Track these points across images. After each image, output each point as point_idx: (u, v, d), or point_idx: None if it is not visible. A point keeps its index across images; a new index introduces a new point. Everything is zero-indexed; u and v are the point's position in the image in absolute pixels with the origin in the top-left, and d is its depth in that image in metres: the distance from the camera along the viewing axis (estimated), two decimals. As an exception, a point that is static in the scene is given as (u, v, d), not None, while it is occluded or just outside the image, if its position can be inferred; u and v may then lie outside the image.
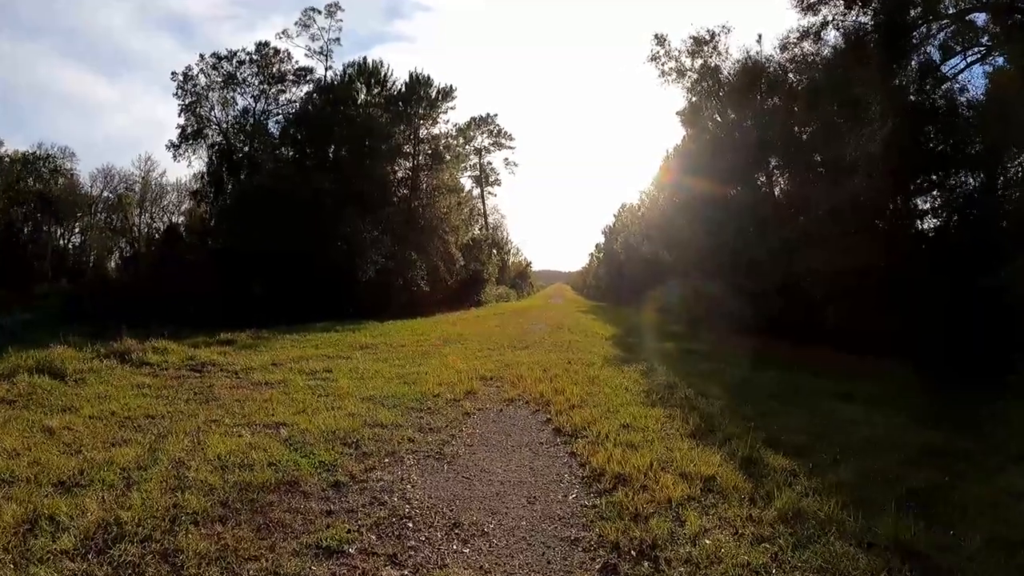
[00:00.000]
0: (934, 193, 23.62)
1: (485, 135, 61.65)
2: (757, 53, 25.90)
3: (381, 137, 35.62)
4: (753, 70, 25.73)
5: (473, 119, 59.29)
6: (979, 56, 22.93)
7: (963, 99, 22.06)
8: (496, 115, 60.77)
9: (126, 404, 9.33)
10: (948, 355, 17.26)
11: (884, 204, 23.93)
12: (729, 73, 26.96)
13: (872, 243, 23.76)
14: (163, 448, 7.00)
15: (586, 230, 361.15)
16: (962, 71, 23.20)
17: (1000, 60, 22.69)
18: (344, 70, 39.64)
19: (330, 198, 31.72)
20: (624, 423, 8.68)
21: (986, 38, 22.59)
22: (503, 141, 62.42)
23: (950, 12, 22.24)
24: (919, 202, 24.05)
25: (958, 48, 23.06)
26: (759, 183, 26.95)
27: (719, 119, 27.11)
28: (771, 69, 25.60)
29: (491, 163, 64.28)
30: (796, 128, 24.39)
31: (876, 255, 22.20)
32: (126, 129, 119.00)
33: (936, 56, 23.33)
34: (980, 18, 22.25)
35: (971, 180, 22.92)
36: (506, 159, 64.25)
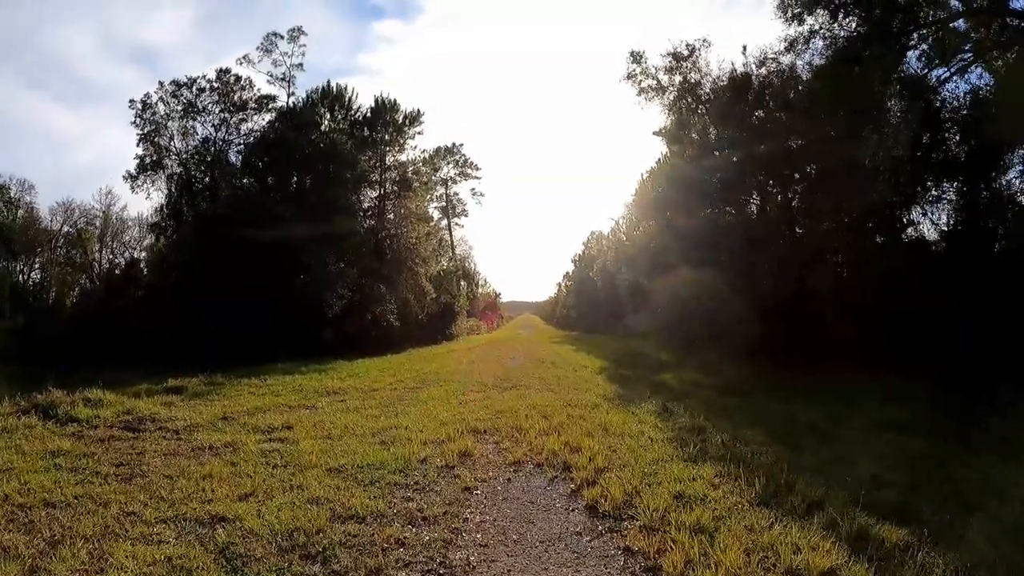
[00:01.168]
0: (937, 204, 23.02)
1: (451, 165, 60.21)
2: (743, 65, 24.65)
3: (346, 164, 33.69)
4: (739, 83, 24.46)
5: (439, 149, 57.79)
6: (962, 66, 22.29)
7: (947, 109, 21.74)
8: (462, 145, 59.41)
9: (25, 484, 7.14)
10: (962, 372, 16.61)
11: (893, 214, 22.96)
12: (712, 87, 25.62)
13: (883, 255, 22.58)
14: (46, 569, 4.86)
15: (551, 260, 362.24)
16: (945, 81, 22.72)
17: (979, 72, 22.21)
18: (307, 95, 37.74)
19: (293, 228, 29.56)
20: (675, 492, 6.72)
21: (968, 47, 21.95)
22: (469, 171, 61.04)
23: (930, 20, 21.61)
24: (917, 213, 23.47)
25: (937, 60, 22.46)
26: (751, 199, 25.53)
27: (703, 135, 25.57)
28: (757, 82, 24.41)
29: (457, 193, 62.82)
30: (790, 140, 22.95)
31: (888, 267, 21.10)
32: (90, 162, 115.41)
33: (915, 67, 22.78)
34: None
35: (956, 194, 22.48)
36: (473, 189, 62.94)
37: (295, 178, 34.59)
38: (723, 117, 24.19)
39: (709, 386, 18.60)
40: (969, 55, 21.84)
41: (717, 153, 25.75)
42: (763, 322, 23.08)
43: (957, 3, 21.80)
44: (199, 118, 37.88)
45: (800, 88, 23.20)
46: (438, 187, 58.48)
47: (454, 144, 59.42)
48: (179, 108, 37.73)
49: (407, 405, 13.08)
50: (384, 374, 19.95)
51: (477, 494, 6.87)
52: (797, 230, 25.06)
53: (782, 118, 23.05)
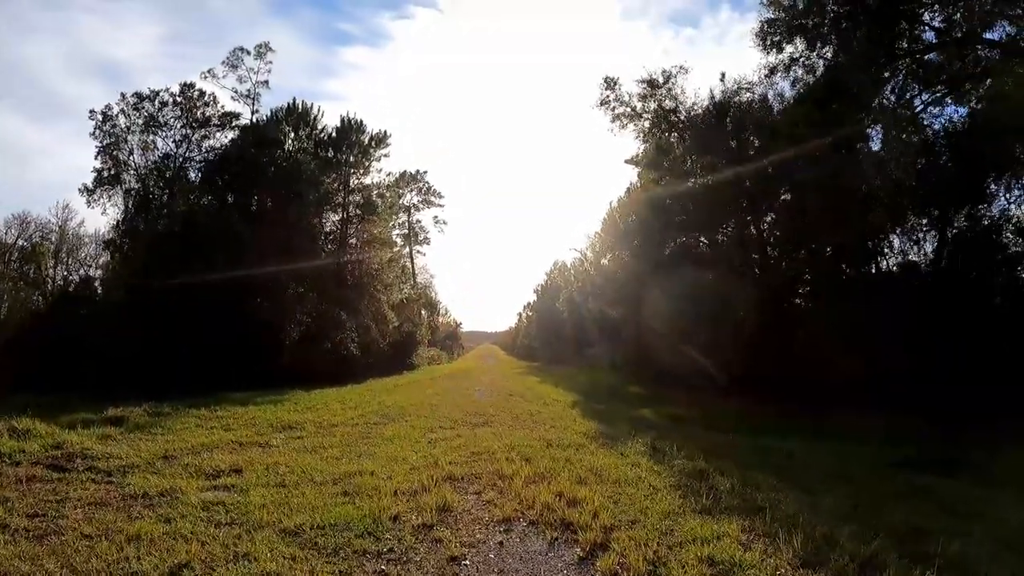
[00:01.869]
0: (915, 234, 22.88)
1: (415, 192, 59.20)
2: (722, 92, 24.20)
3: (309, 184, 32.31)
4: (718, 109, 23.97)
5: (404, 175, 56.80)
6: (936, 97, 22.19)
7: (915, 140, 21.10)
8: (426, 172, 58.57)
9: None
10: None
11: (874, 244, 22.70)
12: (689, 114, 25.07)
13: (862, 287, 22.08)
14: None
15: (510, 291, 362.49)
16: (919, 112, 22.59)
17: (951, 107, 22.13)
18: (272, 112, 36.34)
19: (251, 249, 28.10)
20: (703, 556, 5.68)
21: (943, 80, 21.84)
22: (432, 199, 60.06)
23: (903, 51, 21.48)
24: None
25: (908, 94, 22.37)
26: (728, 227, 24.88)
27: (681, 161, 24.88)
28: (736, 109, 23.98)
29: (420, 221, 61.73)
30: (771, 167, 22.40)
31: (867, 299, 20.69)
32: (51, 176, 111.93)
33: (892, 99, 22.67)
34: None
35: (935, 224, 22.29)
36: (435, 217, 62.00)
37: (255, 197, 33.10)
38: (702, 144, 23.56)
39: (690, 421, 17.72)
40: (943, 88, 21.75)
41: (693, 181, 25.14)
42: (740, 355, 22.46)
43: (931, 35, 21.71)
44: (160, 133, 36.19)
45: (780, 115, 22.84)
46: (401, 214, 57.29)
47: (418, 171, 58.58)
48: (140, 122, 36.04)
49: (372, 444, 11.77)
50: (345, 407, 18.57)
51: (466, 565, 5.63)
52: (772, 260, 24.52)
53: (763, 144, 22.51)
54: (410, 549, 5.91)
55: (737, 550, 5.81)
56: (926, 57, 21.68)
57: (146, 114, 36.00)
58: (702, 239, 25.91)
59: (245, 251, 27.96)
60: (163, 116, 36.13)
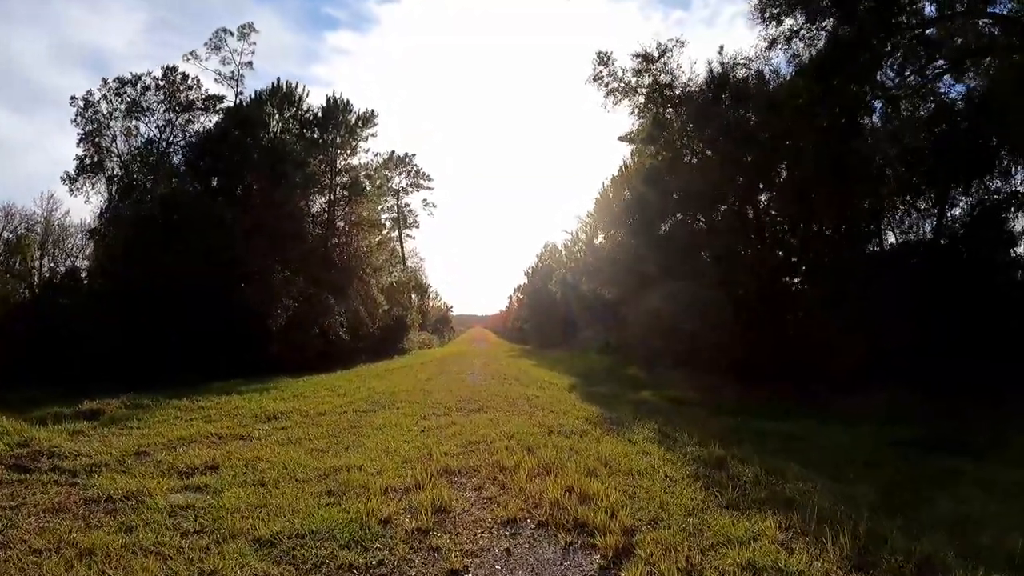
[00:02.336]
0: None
1: (403, 175, 58.13)
2: (720, 65, 23.38)
3: (295, 166, 31.43)
4: (717, 82, 23.12)
5: (392, 157, 55.51)
6: (937, 74, 21.60)
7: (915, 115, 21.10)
8: (415, 155, 57.67)
9: None
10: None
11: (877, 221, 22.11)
12: (687, 88, 24.26)
13: (866, 264, 21.42)
14: None
15: (501, 274, 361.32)
16: (920, 87, 22.03)
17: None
18: (256, 93, 35.38)
19: (237, 233, 27.21)
20: (742, 561, 5.00)
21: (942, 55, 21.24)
22: (421, 182, 58.99)
23: (903, 26, 20.81)
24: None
25: (908, 70, 21.80)
26: (730, 203, 24.13)
27: (679, 136, 24.04)
28: (735, 82, 23.19)
29: (409, 204, 60.90)
30: (772, 140, 21.68)
31: (870, 277, 20.10)
32: (37, 168, 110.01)
33: (891, 75, 22.12)
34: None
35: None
36: (424, 200, 61.17)
37: (240, 180, 32.10)
38: (699, 118, 22.71)
39: (695, 404, 17.05)
40: (944, 64, 21.09)
41: (689, 157, 24.38)
42: (741, 335, 21.80)
43: (932, 9, 21.03)
44: (143, 118, 35.47)
45: (779, 90, 22.13)
46: (390, 197, 56.30)
47: (407, 154, 57.52)
48: (122, 107, 35.23)
49: (360, 435, 10.99)
50: (333, 394, 17.81)
51: (470, 580, 4.90)
52: (771, 238, 23.84)
53: (762, 119, 21.76)
54: (403, 561, 5.12)
55: (779, 553, 5.10)
56: (926, 32, 20.98)
57: (128, 99, 35.18)
58: (699, 217, 25.13)
59: (230, 235, 27.11)
60: (146, 101, 35.32)
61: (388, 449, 9.48)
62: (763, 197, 24.00)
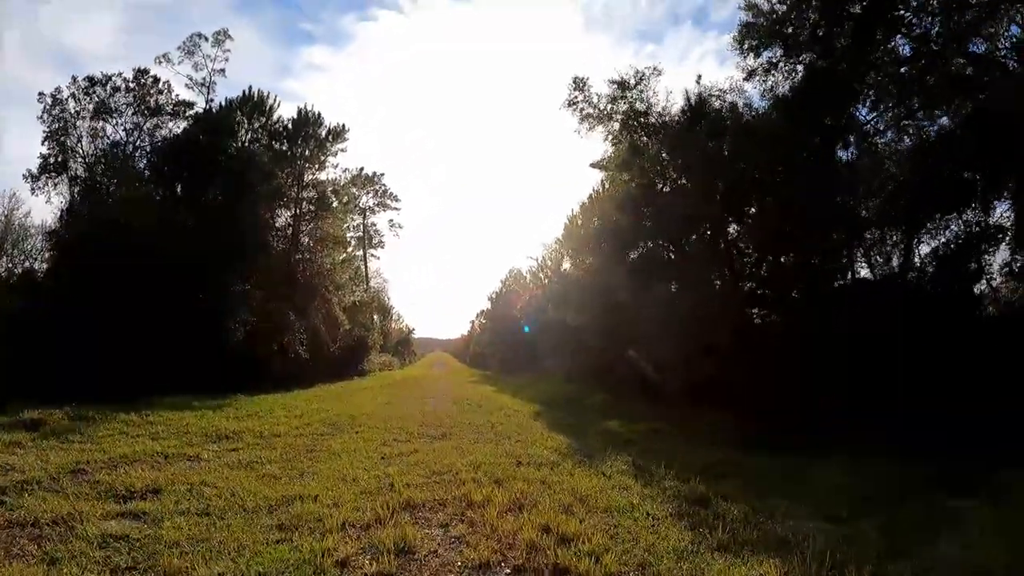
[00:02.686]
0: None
1: (371, 195, 57.03)
2: (697, 94, 23.32)
3: (261, 177, 30.62)
4: (694, 110, 23.02)
5: (360, 175, 54.62)
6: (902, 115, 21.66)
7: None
8: (383, 174, 56.56)
9: None
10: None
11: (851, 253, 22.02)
12: (661, 117, 24.16)
13: (838, 298, 21.25)
14: None
15: (462, 299, 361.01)
16: (885, 130, 22.13)
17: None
18: (226, 100, 34.48)
19: (197, 241, 26.25)
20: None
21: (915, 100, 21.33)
22: (388, 202, 57.93)
23: (877, 63, 20.88)
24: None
25: (881, 107, 21.93)
26: (703, 231, 23.95)
27: (654, 163, 23.86)
28: (712, 111, 23.14)
29: (375, 224, 59.70)
30: (748, 170, 21.57)
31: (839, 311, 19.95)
32: (3, 167, 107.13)
33: (863, 113, 22.29)
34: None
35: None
36: (391, 220, 60.21)
37: (205, 188, 31.13)
38: (677, 146, 22.57)
39: (666, 436, 16.51)
40: (916, 102, 21.13)
41: (662, 185, 24.21)
42: (711, 366, 21.49)
43: (908, 48, 21.17)
44: (111, 120, 34.06)
45: (758, 118, 22.12)
46: (356, 216, 55.41)
47: (375, 173, 56.51)
48: (90, 107, 33.92)
49: (317, 460, 10.34)
50: (289, 414, 17.09)
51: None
52: (746, 267, 23.68)
53: (737, 150, 21.65)
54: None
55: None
56: (901, 70, 21.05)
57: (97, 99, 33.93)
58: (671, 246, 24.91)
59: (191, 243, 26.13)
60: (114, 102, 34.04)
61: (346, 477, 8.85)
62: (735, 227, 23.87)
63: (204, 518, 6.63)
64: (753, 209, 23.33)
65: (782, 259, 22.68)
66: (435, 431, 14.46)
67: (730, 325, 21.52)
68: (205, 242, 26.60)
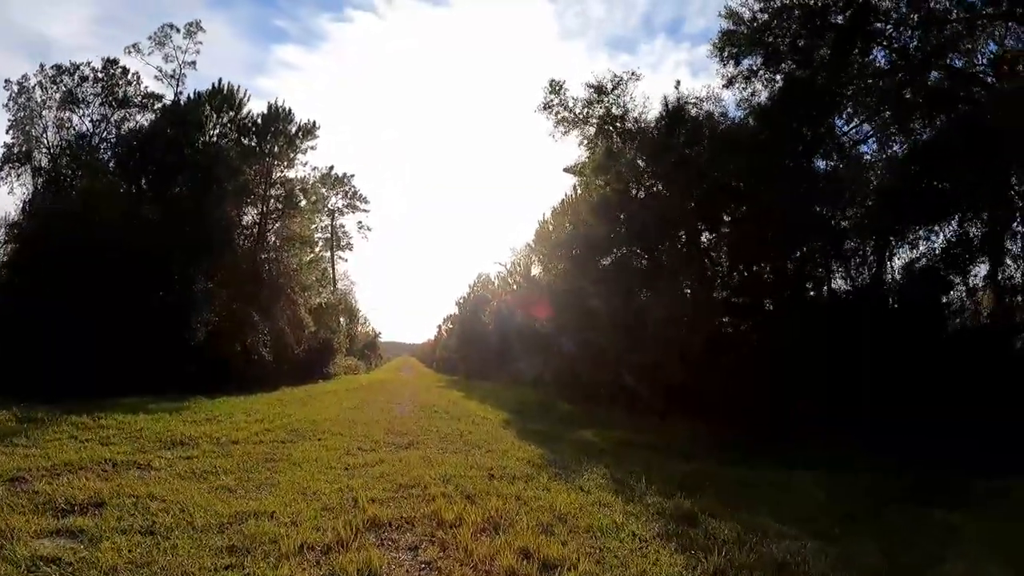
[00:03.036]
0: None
1: (340, 195, 55.74)
2: (676, 99, 23.05)
3: (229, 172, 29.75)
4: (672, 115, 22.75)
5: (329, 176, 53.69)
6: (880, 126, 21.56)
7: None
8: (353, 175, 55.45)
9: None
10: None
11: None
12: (637, 123, 23.89)
13: (809, 310, 21.06)
14: None
15: (429, 303, 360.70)
16: (862, 140, 22.24)
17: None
18: (194, 92, 33.43)
19: (159, 237, 25.34)
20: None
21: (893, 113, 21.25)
22: (358, 203, 56.48)
23: (855, 75, 20.80)
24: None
25: (856, 119, 21.97)
26: (678, 238, 23.66)
27: (630, 169, 23.52)
28: (690, 118, 22.90)
29: (343, 226, 57.91)
30: (726, 178, 21.35)
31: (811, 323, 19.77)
32: None
33: (839, 124, 22.32)
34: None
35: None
36: (360, 222, 58.88)
37: (170, 182, 30.15)
38: (654, 151, 22.26)
39: (640, 446, 16.05)
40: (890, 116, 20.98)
41: (637, 191, 23.90)
42: (681, 375, 21.21)
43: (885, 57, 21.13)
44: (78, 110, 32.91)
45: (736, 126, 21.94)
46: (324, 217, 54.34)
47: (344, 174, 55.53)
48: (57, 96, 32.74)
49: (275, 470, 9.71)
50: (250, 419, 16.37)
51: None
52: (720, 276, 23.44)
53: (714, 157, 21.39)
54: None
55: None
56: (880, 82, 20.94)
57: (64, 89, 32.78)
58: (646, 251, 24.58)
59: (155, 238, 25.21)
60: (82, 92, 32.87)
61: (306, 491, 8.26)
62: (708, 236, 23.65)
63: (148, 538, 6.01)
64: (728, 217, 23.09)
65: (755, 268, 22.48)
66: (402, 439, 13.90)
67: (704, 333, 21.29)
68: (170, 237, 25.74)
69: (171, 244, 25.50)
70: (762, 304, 22.33)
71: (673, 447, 16.04)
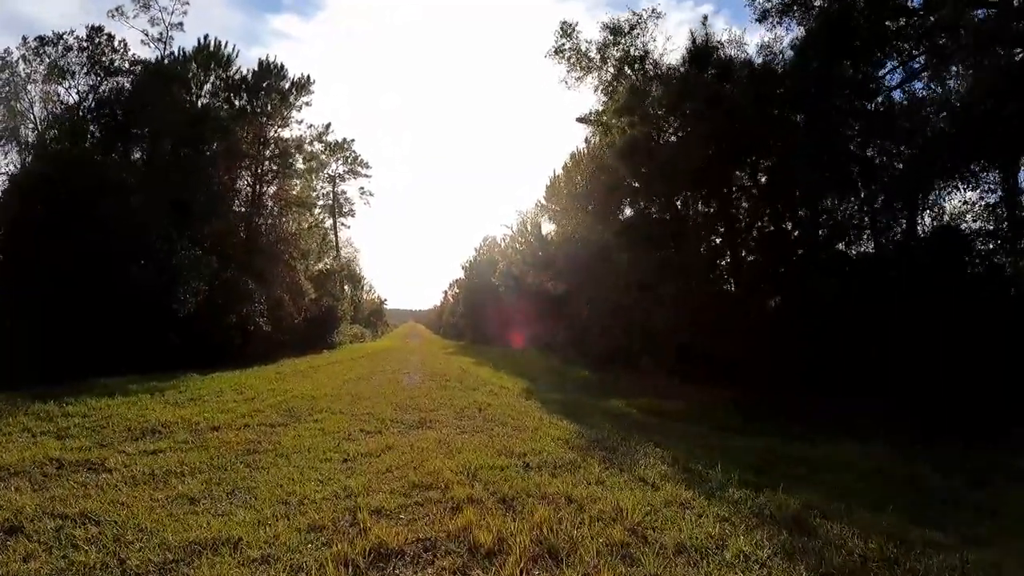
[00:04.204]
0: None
1: (340, 162, 54.33)
2: (704, 36, 21.08)
3: (218, 132, 27.68)
4: (701, 52, 20.73)
5: (328, 144, 51.70)
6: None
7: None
8: (353, 140, 53.84)
9: None
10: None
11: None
12: (656, 67, 21.88)
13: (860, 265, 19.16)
14: None
15: (434, 269, 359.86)
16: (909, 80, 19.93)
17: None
18: (179, 49, 31.31)
19: (140, 200, 23.34)
20: None
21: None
22: (359, 169, 55.31)
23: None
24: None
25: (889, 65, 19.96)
26: (704, 194, 21.63)
27: (657, 109, 21.42)
28: (720, 57, 20.93)
29: (345, 192, 56.96)
30: (759, 123, 19.31)
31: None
32: None
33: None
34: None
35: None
36: (361, 188, 58.10)
37: (152, 144, 28.15)
38: (682, 90, 20.15)
39: (680, 417, 14.21)
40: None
41: (663, 135, 21.87)
42: (708, 335, 19.47)
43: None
44: (64, 82, 30.82)
45: (771, 63, 19.98)
46: (325, 184, 52.94)
47: (344, 140, 53.51)
48: (42, 69, 30.65)
49: (256, 466, 7.78)
50: (240, 397, 14.48)
51: None
52: (743, 234, 21.50)
53: (751, 95, 19.32)
54: None
55: None
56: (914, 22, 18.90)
57: (49, 60, 30.66)
58: (670, 202, 22.57)
59: (132, 203, 23.22)
60: (67, 63, 30.76)
61: (290, 498, 6.31)
62: (744, 182, 21.63)
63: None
64: (763, 164, 21.09)
65: (785, 222, 20.59)
66: (412, 416, 11.98)
67: (729, 296, 19.46)
68: (154, 204, 23.72)
69: (156, 210, 23.47)
70: (788, 262, 20.38)
71: (708, 416, 14.27)
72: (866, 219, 19.61)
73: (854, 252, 19.92)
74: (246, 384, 17.40)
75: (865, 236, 19.70)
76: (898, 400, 14.59)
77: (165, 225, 23.60)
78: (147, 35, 31.45)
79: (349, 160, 54.70)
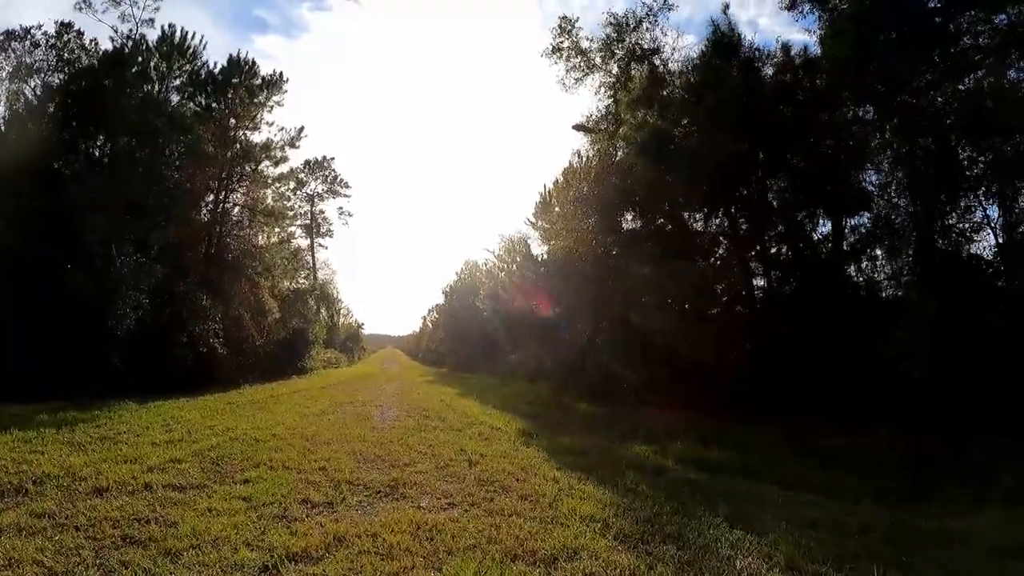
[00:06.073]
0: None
1: (319, 180, 51.97)
2: (728, 23, 18.72)
3: (174, 129, 24.66)
4: (725, 42, 18.22)
5: (307, 162, 49.86)
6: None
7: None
8: (333, 159, 51.35)
9: None
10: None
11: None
12: (665, 64, 19.44)
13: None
14: None
15: (413, 295, 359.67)
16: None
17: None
18: (140, 37, 28.39)
19: (79, 197, 20.29)
20: None
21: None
22: (338, 188, 52.97)
23: None
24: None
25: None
26: (730, 201, 18.99)
27: (676, 103, 18.80)
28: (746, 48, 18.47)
29: (323, 211, 54.48)
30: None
31: None
32: None
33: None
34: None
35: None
36: (340, 208, 57.79)
37: (109, 138, 25.16)
38: (705, 81, 17.55)
39: (738, 471, 11.02)
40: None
41: (684, 130, 19.31)
42: (741, 358, 16.85)
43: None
44: (30, 81, 28.04)
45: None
46: (304, 203, 50.80)
47: (324, 158, 51.20)
48: (8, 67, 27.87)
49: (175, 552, 4.76)
50: (165, 438, 11.39)
51: None
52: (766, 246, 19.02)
53: (784, 86, 16.76)
54: None
55: None
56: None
57: (15, 57, 27.88)
58: (685, 216, 20.00)
59: (69, 203, 20.14)
60: (34, 59, 28.02)
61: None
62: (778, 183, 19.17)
63: None
64: (792, 165, 18.50)
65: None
66: (379, 475, 8.92)
67: (761, 315, 16.82)
68: (100, 203, 20.65)
69: (92, 209, 20.34)
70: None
71: (772, 467, 11.20)
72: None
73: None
74: (183, 418, 14.36)
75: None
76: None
77: (107, 225, 20.45)
78: (116, 32, 28.76)
79: (328, 179, 52.47)
